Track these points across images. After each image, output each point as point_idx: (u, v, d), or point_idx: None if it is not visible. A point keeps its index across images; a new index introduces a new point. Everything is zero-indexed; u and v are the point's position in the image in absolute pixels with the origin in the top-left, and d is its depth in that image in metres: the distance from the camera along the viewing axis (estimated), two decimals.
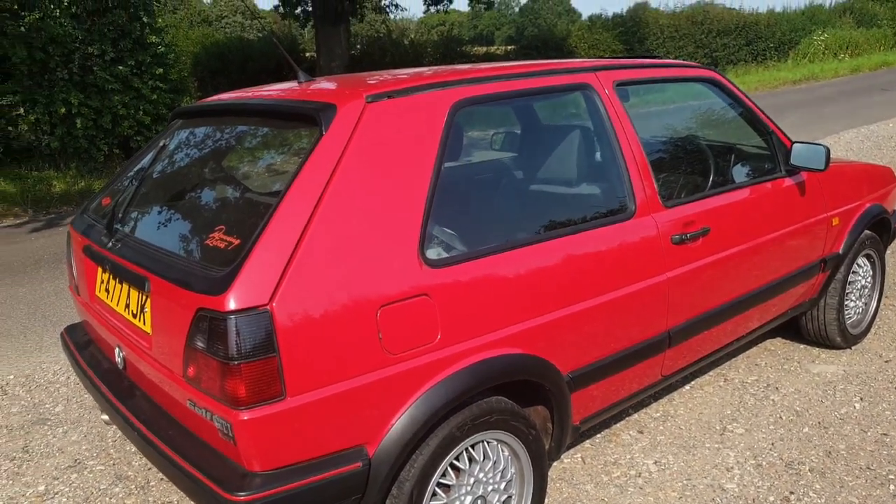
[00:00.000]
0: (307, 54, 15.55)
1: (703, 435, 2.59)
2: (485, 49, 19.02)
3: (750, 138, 2.88)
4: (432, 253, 1.69)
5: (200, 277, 1.45)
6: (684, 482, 2.31)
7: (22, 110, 7.92)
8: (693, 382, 3.00)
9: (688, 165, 2.76)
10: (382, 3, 15.88)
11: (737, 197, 2.57)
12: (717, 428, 2.63)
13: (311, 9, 14.10)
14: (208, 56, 15.05)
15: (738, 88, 2.75)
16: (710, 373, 3.09)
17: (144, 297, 1.66)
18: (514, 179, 2.76)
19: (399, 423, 1.54)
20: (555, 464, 2.42)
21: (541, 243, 1.89)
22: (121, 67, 8.49)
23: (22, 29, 7.67)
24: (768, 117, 2.82)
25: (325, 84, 2.10)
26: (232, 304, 1.34)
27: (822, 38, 19.93)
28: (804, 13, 21.56)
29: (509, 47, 18.73)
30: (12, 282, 4.82)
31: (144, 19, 8.76)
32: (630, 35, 17.24)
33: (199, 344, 1.40)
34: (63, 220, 6.83)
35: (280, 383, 1.37)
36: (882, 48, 21.23)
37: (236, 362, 1.33)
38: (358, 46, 15.21)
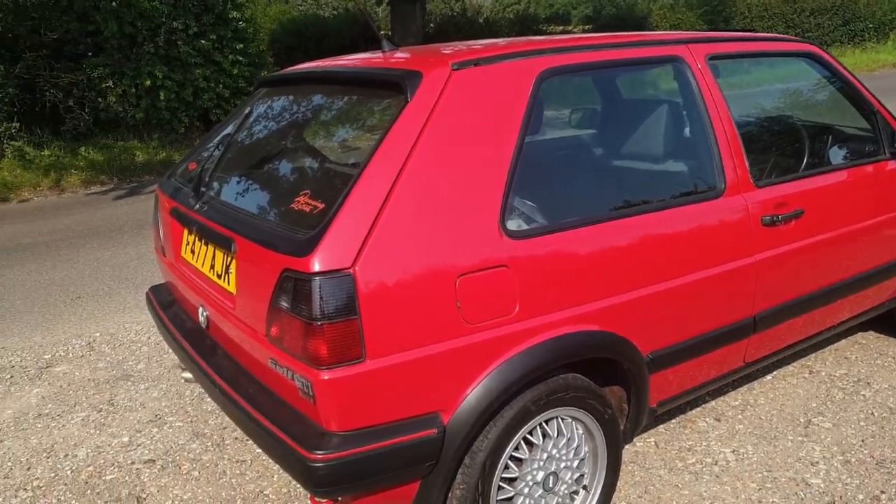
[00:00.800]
0: (382, 32, 15.63)
1: (785, 427, 2.47)
2: (561, 28, 18.56)
3: (853, 118, 2.69)
4: (513, 224, 1.66)
5: (286, 239, 1.47)
6: (764, 473, 2.22)
7: (111, 82, 8.30)
8: (775, 373, 2.86)
9: (783, 145, 2.60)
10: None
11: (834, 179, 2.41)
12: (802, 421, 2.51)
13: None
14: (285, 32, 15.39)
15: (841, 64, 2.56)
16: (795, 364, 2.94)
17: (230, 258, 1.70)
18: (599, 154, 2.68)
19: (474, 394, 1.52)
20: (627, 447, 2.36)
21: (624, 219, 1.83)
22: (203, 42, 8.75)
23: (113, 4, 8.01)
24: (874, 96, 2.63)
25: (410, 53, 2.08)
26: (317, 266, 1.35)
27: None
28: None
29: (586, 26, 18.26)
30: (98, 245, 5.10)
31: None
32: (715, 14, 16.50)
33: (284, 304, 1.43)
34: (145, 188, 7.17)
35: (360, 346, 1.38)
36: None
37: (319, 323, 1.34)
38: (432, 25, 15.16)
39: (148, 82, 8.35)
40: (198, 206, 1.91)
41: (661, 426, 2.50)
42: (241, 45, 9.16)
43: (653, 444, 2.40)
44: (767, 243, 2.16)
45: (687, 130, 2.21)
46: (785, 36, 2.62)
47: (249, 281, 1.60)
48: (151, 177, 7.62)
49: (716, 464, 2.27)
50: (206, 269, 1.85)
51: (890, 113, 2.65)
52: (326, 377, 1.36)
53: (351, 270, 1.37)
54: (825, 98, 2.74)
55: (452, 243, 1.51)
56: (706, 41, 2.21)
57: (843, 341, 3.13)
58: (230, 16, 9.03)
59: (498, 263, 1.57)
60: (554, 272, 1.67)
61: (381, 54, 2.08)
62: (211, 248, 1.82)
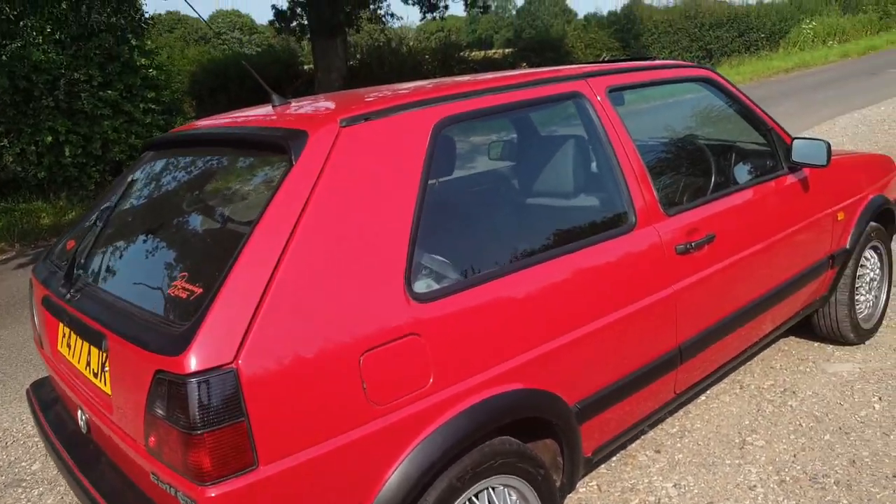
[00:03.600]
0: (306, 67, 15.45)
1: (722, 451, 2.44)
2: (483, 53, 18.87)
3: (749, 136, 2.75)
4: (420, 286, 1.55)
5: (158, 334, 1.31)
6: None
7: (6, 141, 7.80)
8: (709, 392, 2.85)
9: (688, 168, 2.62)
10: (378, 12, 15.77)
11: (741, 199, 2.44)
12: (737, 441, 2.49)
13: (306, 22, 14.00)
14: (206, 74, 14.97)
15: (734, 86, 2.61)
16: (726, 380, 2.94)
17: (104, 356, 1.51)
18: (506, 197, 2.62)
19: (391, 483, 1.39)
20: (570, 495, 2.27)
21: (537, 265, 1.75)
22: (109, 92, 8.37)
23: (3, 58, 7.56)
24: (767, 114, 2.69)
25: (301, 107, 1.96)
26: (192, 365, 1.20)
27: (810, 26, 20.03)
28: (792, 2, 21.62)
29: (507, 50, 18.68)
30: None
31: (133, 42, 8.64)
32: (625, 32, 17.24)
33: (159, 411, 1.26)
34: None
35: (251, 451, 1.23)
36: (868, 33, 21.35)
37: (199, 432, 1.19)
38: (358, 57, 15.09)
39: (49, 138, 7.90)
40: (69, 294, 1.71)
41: (604, 466, 2.42)
42: (153, 93, 8.81)
43: (595, 487, 2.32)
44: (683, 272, 2.13)
45: (593, 166, 2.18)
46: (681, 63, 2.65)
47: (124, 383, 1.42)
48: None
49: (659, 502, 2.21)
50: (82, 367, 1.65)
51: (783, 129, 2.71)
52: (213, 494, 1.20)
53: (233, 366, 1.22)
54: (726, 117, 2.79)
55: (353, 318, 1.39)
56: (605, 73, 2.19)
57: (769, 350, 3.17)
58: (138, 63, 8.69)
59: (406, 332, 1.46)
60: (468, 333, 1.57)
61: (272, 109, 1.95)
62: (85, 343, 1.63)
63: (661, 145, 2.82)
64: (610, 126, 2.08)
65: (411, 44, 15.51)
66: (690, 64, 2.64)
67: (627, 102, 2.31)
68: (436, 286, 1.60)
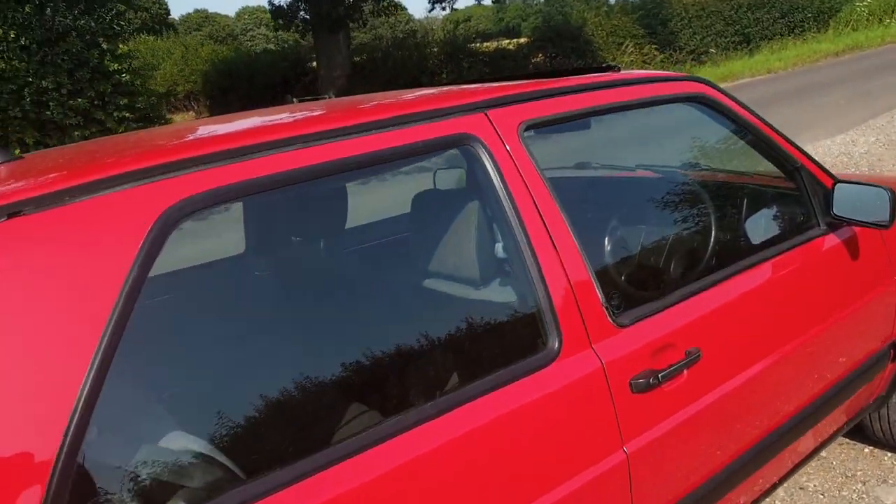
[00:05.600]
0: (314, 64, 14.90)
1: None
2: (496, 44, 17.86)
3: (766, 177, 1.89)
4: None
5: None
6: None
7: None
8: None
9: (666, 235, 1.76)
10: (382, 4, 15.10)
11: (751, 280, 1.60)
12: None
13: (308, 17, 13.44)
14: (217, 73, 14.71)
15: (742, 105, 1.75)
16: None
17: None
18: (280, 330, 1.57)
19: None
20: None
21: (399, 436, 1.00)
22: (80, 100, 7.82)
23: None
24: (795, 145, 1.82)
25: None
26: None
27: (864, 2, 18.32)
28: None
29: (521, 40, 17.65)
30: None
31: (104, 46, 8.07)
32: (652, 18, 16.04)
33: None
34: None
35: None
36: None
37: None
38: (364, 55, 14.45)
39: (18, 151, 7.33)
40: None
41: None
42: (126, 100, 8.23)
43: None
44: (643, 421, 1.32)
45: (485, 257, 1.37)
46: (662, 73, 1.79)
47: None
48: None
49: None
50: None
51: (819, 165, 1.85)
52: None
53: None
54: (726, 152, 1.93)
55: None
56: (520, 100, 1.38)
57: None
58: (110, 68, 8.11)
59: None
60: None
61: None
62: None
63: (618, 194, 1.98)
64: (519, 185, 1.28)
65: (419, 37, 14.75)
66: (678, 75, 1.77)
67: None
68: None
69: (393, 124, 1.20)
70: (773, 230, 1.86)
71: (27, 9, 6.95)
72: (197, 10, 41.07)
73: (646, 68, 15.13)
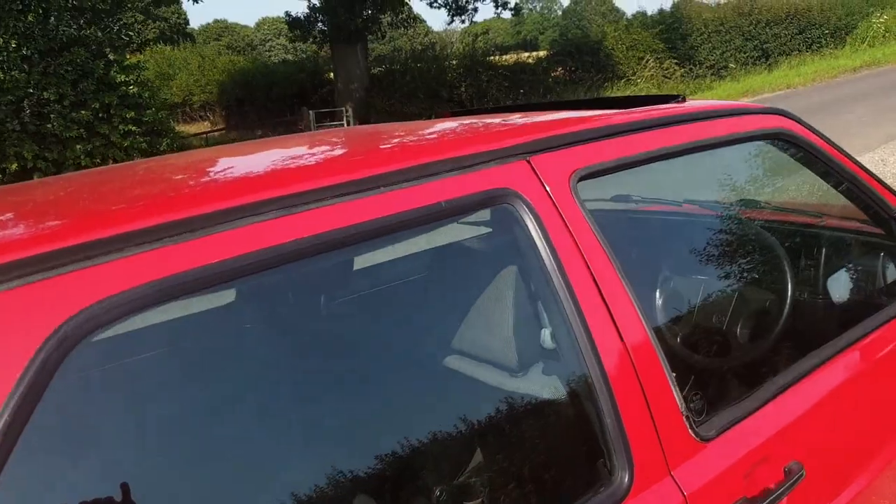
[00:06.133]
0: (330, 75, 14.75)
1: None
2: (515, 56, 17.60)
3: (862, 234, 1.56)
4: None
5: None
6: None
7: None
8: None
9: (740, 310, 1.39)
10: (400, 16, 14.94)
11: (849, 366, 1.27)
12: None
13: (326, 29, 13.28)
14: (234, 84, 14.60)
15: (830, 142, 1.43)
16: None
17: None
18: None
19: None
20: None
21: None
22: (83, 112, 7.58)
23: None
24: (891, 189, 1.49)
25: None
26: None
27: (881, 19, 18.06)
28: None
29: (540, 53, 17.40)
30: None
31: (111, 56, 7.85)
32: (671, 32, 15.78)
33: None
34: None
35: None
36: None
37: None
38: (383, 67, 14.27)
39: (15, 165, 7.16)
40: None
41: None
42: (133, 113, 7.98)
43: None
44: None
45: (526, 344, 1.06)
46: (737, 105, 1.47)
47: None
48: None
49: None
50: None
51: None
52: None
53: None
54: (813, 203, 1.61)
55: None
56: (568, 142, 1.06)
57: None
58: (116, 80, 7.88)
59: None
60: None
61: None
62: None
63: (676, 245, 1.64)
64: (574, 255, 0.96)
65: (438, 49, 14.56)
66: (757, 107, 1.44)
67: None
68: None
69: (407, 179, 0.89)
70: (865, 292, 1.53)
71: (30, 18, 6.74)
72: (217, 21, 41.25)
73: (666, 83, 14.84)
